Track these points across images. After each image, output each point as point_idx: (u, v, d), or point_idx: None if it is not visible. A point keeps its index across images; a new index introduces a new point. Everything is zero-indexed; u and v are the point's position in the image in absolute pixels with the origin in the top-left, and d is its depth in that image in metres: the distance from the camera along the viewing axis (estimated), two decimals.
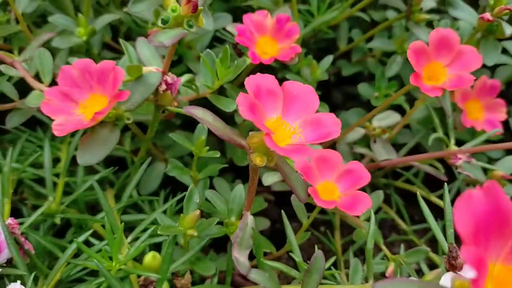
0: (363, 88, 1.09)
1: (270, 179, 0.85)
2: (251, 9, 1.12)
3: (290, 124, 0.60)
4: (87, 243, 0.74)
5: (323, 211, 0.94)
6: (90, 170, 0.95)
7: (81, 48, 0.96)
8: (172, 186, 0.97)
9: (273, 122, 0.60)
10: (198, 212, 0.67)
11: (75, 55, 0.95)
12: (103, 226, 0.83)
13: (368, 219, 0.89)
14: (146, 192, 0.94)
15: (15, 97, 0.85)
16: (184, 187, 0.99)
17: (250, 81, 0.59)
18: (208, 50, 0.83)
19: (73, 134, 0.99)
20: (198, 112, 0.61)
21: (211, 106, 0.74)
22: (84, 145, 0.68)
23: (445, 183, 0.68)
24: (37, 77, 0.81)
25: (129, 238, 0.75)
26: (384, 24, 1.09)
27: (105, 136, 0.69)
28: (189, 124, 1.08)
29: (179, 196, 0.83)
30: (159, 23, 0.55)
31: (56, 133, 0.65)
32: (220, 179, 0.95)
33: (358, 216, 0.91)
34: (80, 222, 0.84)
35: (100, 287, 0.65)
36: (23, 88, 0.88)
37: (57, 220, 0.78)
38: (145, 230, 0.74)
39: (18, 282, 0.54)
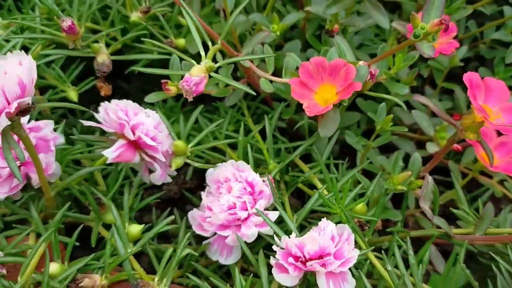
0: (482, 73, 1.30)
1: (432, 148, 1.08)
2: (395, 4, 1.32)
3: (492, 110, 0.83)
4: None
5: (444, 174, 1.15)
6: None
7: None
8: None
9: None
10: (409, 172, 0.90)
11: None
12: None
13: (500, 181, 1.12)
14: None
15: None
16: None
17: (467, 77, 0.81)
18: (383, 44, 1.04)
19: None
20: (422, 99, 0.84)
21: None
22: (321, 123, 0.90)
23: None
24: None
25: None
26: (503, 19, 1.30)
27: (332, 116, 0.92)
28: None
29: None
30: (412, 37, 0.77)
31: (307, 113, 0.87)
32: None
33: (491, 177, 1.14)
34: None
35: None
36: None
37: None
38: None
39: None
